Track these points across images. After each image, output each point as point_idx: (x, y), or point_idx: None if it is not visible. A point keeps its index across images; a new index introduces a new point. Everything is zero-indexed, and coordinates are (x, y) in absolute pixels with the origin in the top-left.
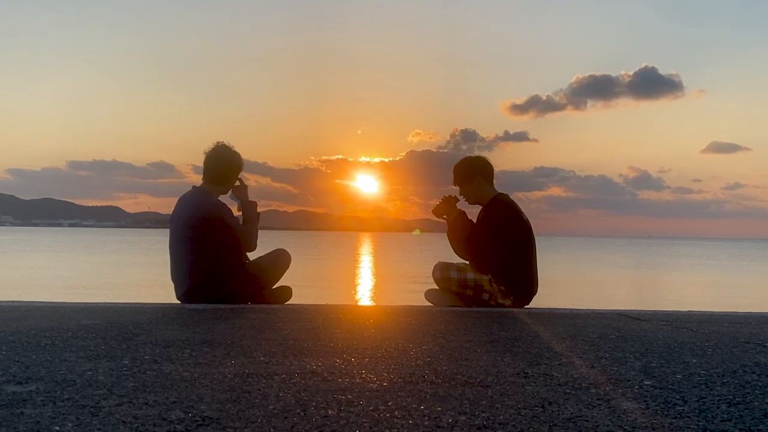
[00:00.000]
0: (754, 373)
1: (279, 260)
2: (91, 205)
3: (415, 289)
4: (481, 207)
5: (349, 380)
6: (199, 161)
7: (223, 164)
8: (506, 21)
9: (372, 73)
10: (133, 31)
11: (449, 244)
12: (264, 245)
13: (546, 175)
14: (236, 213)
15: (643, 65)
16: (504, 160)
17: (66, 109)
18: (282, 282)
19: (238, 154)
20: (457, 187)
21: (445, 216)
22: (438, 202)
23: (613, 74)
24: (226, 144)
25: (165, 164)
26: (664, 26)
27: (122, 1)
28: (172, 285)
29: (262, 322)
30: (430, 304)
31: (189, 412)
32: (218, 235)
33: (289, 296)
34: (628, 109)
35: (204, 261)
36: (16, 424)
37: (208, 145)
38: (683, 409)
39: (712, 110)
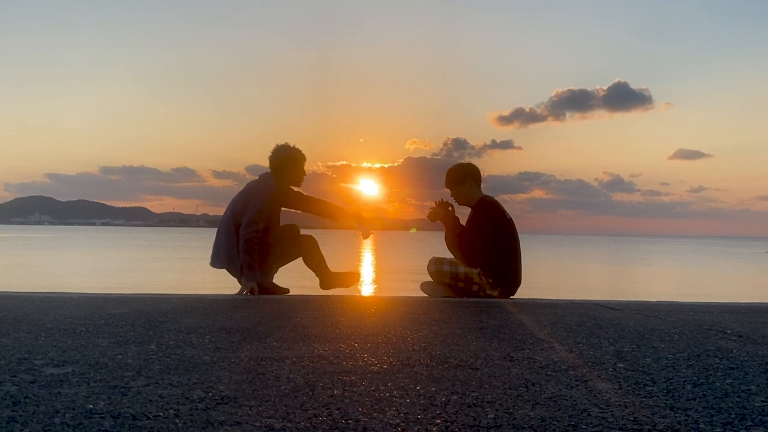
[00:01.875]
0: (716, 356)
1: (296, 241)
2: (121, 206)
3: (412, 282)
4: (469, 208)
5: (353, 363)
6: (217, 167)
7: (277, 155)
8: (493, 40)
9: (372, 88)
10: (159, 49)
11: (445, 243)
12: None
13: (529, 179)
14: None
15: (616, 80)
16: (492, 166)
17: (99, 120)
18: (347, 268)
19: (293, 150)
20: (448, 190)
21: (439, 219)
22: (432, 208)
23: (589, 89)
24: (287, 144)
25: (187, 169)
26: (636, 45)
27: (149, 23)
28: (192, 278)
29: (275, 311)
30: (426, 295)
31: (209, 392)
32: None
33: (356, 280)
34: (602, 120)
35: (229, 245)
36: (54, 402)
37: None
38: (653, 389)
39: (679, 121)
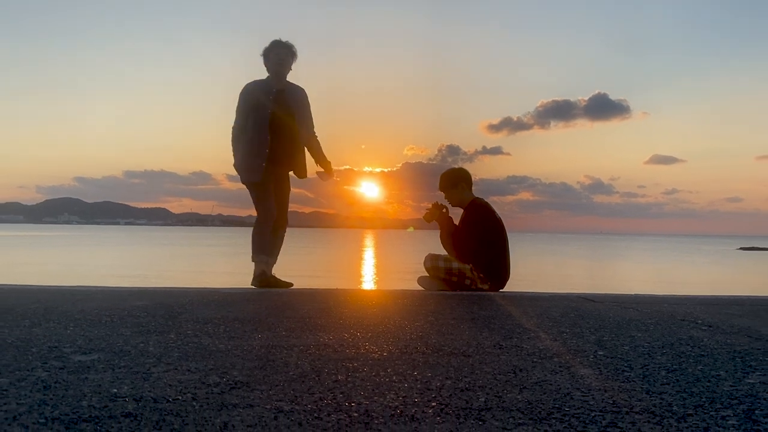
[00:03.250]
0: (689, 345)
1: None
2: (143, 207)
3: (410, 276)
4: (462, 209)
5: (356, 351)
6: (231, 171)
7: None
8: (483, 54)
9: (373, 98)
10: (175, 60)
11: (440, 241)
12: (285, 242)
13: (517, 183)
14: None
15: (596, 92)
16: (482, 170)
17: (123, 128)
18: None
19: (273, 40)
20: (443, 193)
21: (434, 220)
22: (428, 210)
23: (571, 99)
24: (276, 39)
25: (204, 173)
26: (614, 58)
27: (170, 34)
28: (208, 272)
29: (284, 303)
30: (422, 289)
31: (224, 377)
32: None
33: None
34: (584, 128)
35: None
36: (82, 387)
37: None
38: (630, 375)
39: (654, 129)
